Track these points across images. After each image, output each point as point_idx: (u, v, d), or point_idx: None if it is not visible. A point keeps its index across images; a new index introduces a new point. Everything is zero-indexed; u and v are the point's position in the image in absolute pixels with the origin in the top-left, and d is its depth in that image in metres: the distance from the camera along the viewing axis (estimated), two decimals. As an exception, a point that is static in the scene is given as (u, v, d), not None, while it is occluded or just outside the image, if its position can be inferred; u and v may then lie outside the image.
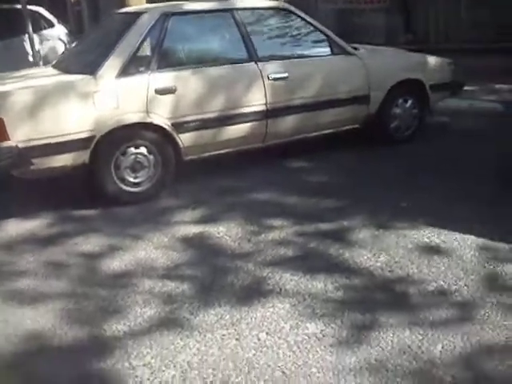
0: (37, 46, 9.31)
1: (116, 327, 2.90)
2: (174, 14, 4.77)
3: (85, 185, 4.68)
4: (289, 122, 5.14)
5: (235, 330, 2.82)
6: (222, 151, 4.97)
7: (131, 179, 4.58)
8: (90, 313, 3.06)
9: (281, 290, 3.18)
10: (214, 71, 4.80)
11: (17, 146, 4.13)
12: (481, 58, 9.04)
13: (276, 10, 5.35)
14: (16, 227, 4.27)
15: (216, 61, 4.90)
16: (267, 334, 2.78)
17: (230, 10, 4.99)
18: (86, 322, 2.96)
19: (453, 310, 2.92)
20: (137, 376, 2.52)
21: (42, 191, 4.81)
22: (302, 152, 5.52)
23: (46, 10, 10.25)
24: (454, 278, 3.23)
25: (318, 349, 2.64)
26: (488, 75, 8.34)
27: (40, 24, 9.97)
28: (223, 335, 2.78)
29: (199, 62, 4.83)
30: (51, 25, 10.17)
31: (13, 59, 7.95)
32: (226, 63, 4.91)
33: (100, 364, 2.61)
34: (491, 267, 3.34)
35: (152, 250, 3.79)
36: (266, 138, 5.10)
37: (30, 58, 8.62)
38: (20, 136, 4.15)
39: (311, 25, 5.33)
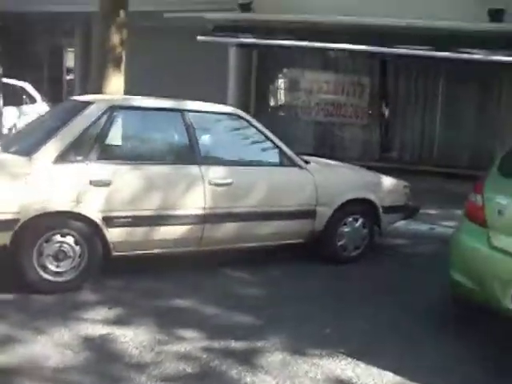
0: (14, 120, 9.47)
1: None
2: (121, 107, 4.82)
3: (4, 267, 4.49)
4: (227, 229, 5.06)
5: None
6: (154, 251, 4.84)
7: (53, 268, 4.41)
8: None
9: (161, 410, 2.96)
10: (154, 169, 4.78)
11: None
12: (452, 182, 9.18)
13: (228, 115, 5.40)
14: None
15: (158, 159, 4.91)
16: None
17: (181, 111, 5.04)
18: None
19: None
20: None
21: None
22: (240, 261, 5.40)
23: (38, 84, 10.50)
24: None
25: None
26: (456, 200, 8.41)
27: (22, 99, 10.16)
28: None
29: (140, 158, 4.83)
30: (34, 101, 10.36)
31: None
32: (167, 162, 4.91)
33: None
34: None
35: (49, 346, 3.58)
36: (202, 243, 5.00)
37: (5, 131, 8.69)
38: None
39: (262, 134, 5.37)
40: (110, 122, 4.66)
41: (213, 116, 5.34)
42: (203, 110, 5.28)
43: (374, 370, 3.55)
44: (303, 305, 4.60)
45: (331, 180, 5.73)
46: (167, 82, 11.42)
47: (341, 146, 11.67)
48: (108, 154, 4.66)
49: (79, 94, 9.71)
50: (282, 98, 12.10)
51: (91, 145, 4.58)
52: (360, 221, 5.82)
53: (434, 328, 4.31)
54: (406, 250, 6.53)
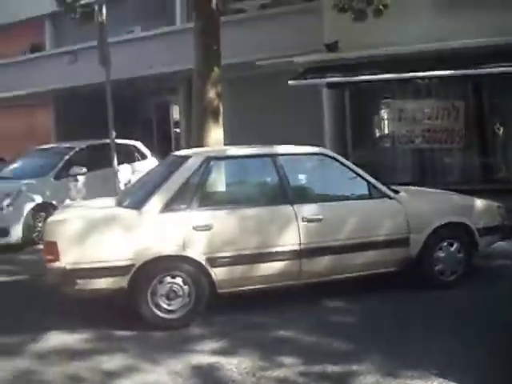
0: (129, 176, 10.39)
1: None
2: (216, 158, 5.36)
3: (124, 308, 5.08)
4: (323, 262, 5.36)
5: None
6: (255, 286, 5.23)
7: (165, 306, 4.93)
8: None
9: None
10: (250, 211, 5.23)
11: (65, 267, 4.69)
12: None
13: (316, 155, 5.78)
14: (55, 340, 4.74)
15: (253, 202, 5.36)
16: None
17: (271, 156, 5.49)
18: None
19: None
20: None
21: (88, 310, 5.27)
22: (339, 291, 5.64)
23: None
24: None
25: None
26: None
27: (134, 156, 11.17)
28: None
29: (236, 202, 5.32)
30: (144, 157, 11.31)
31: (107, 187, 8.93)
32: (262, 204, 5.34)
33: None
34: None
35: (164, 374, 4.07)
36: (301, 277, 5.33)
37: (122, 187, 9.56)
38: (69, 258, 4.71)
39: (350, 169, 5.68)
40: (207, 173, 5.21)
41: (301, 157, 5.75)
42: (292, 152, 5.71)
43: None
44: (400, 331, 4.76)
45: (421, 207, 5.87)
46: (266, 128, 12.05)
47: (441, 171, 11.60)
48: (207, 200, 5.20)
49: (185, 147, 10.56)
50: (377, 130, 12.27)
51: (192, 194, 5.13)
52: (455, 245, 5.88)
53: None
54: (506, 272, 6.43)
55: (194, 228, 4.96)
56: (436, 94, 11.46)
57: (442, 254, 5.83)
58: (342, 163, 5.71)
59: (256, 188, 5.64)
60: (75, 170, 9.78)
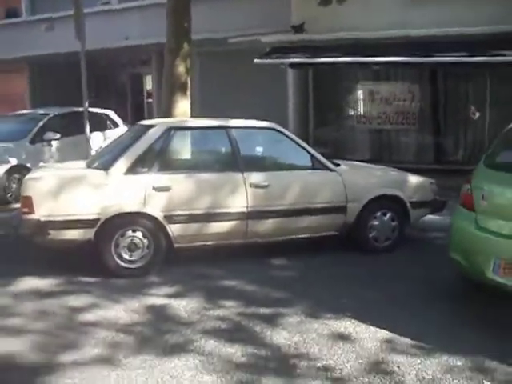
0: (100, 143, 10.96)
1: (66, 358, 3.86)
2: (177, 128, 6.01)
3: (90, 258, 5.75)
4: (267, 224, 6.08)
5: (150, 371, 3.69)
6: (207, 243, 5.94)
7: (127, 257, 5.61)
8: (52, 345, 4.05)
9: (199, 350, 4.04)
10: (204, 176, 5.92)
11: (39, 219, 5.32)
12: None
13: (266, 129, 6.44)
14: (28, 283, 5.40)
15: (207, 168, 6.04)
16: (170, 376, 3.64)
17: (225, 128, 6.16)
18: (47, 351, 3.95)
19: (325, 382, 3.64)
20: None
21: (57, 260, 5.92)
22: (284, 252, 6.38)
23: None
24: (344, 360, 3.94)
25: (201, 392, 3.45)
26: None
27: (106, 124, 11.72)
28: (139, 373, 3.66)
29: (193, 168, 6.00)
30: (116, 125, 11.86)
31: (79, 152, 9.52)
32: (215, 171, 6.02)
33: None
34: (383, 356, 4.02)
35: (122, 311, 4.77)
36: (247, 236, 6.05)
37: (93, 153, 10.12)
38: (43, 211, 5.34)
39: (296, 143, 6.38)
40: (167, 141, 5.88)
41: (253, 131, 6.43)
42: (244, 125, 6.39)
43: (372, 329, 4.43)
44: (331, 284, 5.52)
45: (358, 179, 6.62)
46: (232, 102, 12.66)
47: (396, 149, 12.38)
48: (167, 165, 5.87)
49: (157, 117, 11.13)
50: (338, 111, 12.96)
51: (153, 159, 5.80)
52: (388, 215, 6.64)
53: (432, 300, 5.10)
54: (434, 242, 7.20)
55: (154, 188, 5.63)
56: (394, 78, 12.19)
57: (376, 223, 6.59)
58: (289, 137, 6.40)
59: (211, 156, 6.33)
60: (49, 135, 10.32)
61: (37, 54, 16.08)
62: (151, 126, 6.04)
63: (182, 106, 9.13)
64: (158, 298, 5.10)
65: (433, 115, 12.14)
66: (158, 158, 5.82)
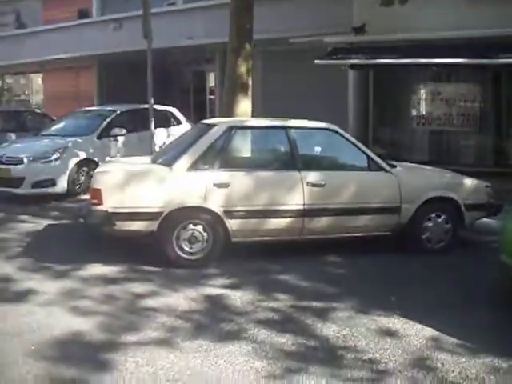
0: (164, 139, 11.40)
1: (129, 338, 4.20)
2: (237, 127, 6.29)
3: (153, 248, 6.10)
4: (322, 222, 6.27)
5: (205, 355, 3.97)
6: (263, 238, 6.18)
7: (187, 249, 5.93)
8: (117, 327, 4.40)
9: (252, 338, 4.29)
10: (263, 174, 6.16)
11: (107, 210, 5.71)
12: None
13: (323, 130, 6.62)
14: (94, 270, 5.80)
15: (266, 166, 6.28)
16: (224, 361, 3.90)
17: (285, 128, 6.38)
18: (112, 332, 4.30)
19: (370, 374, 3.82)
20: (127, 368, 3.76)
21: (122, 249, 6.31)
22: (337, 249, 6.55)
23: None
24: (390, 354, 4.10)
25: (252, 377, 3.70)
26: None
27: (170, 121, 12.16)
28: (195, 356, 3.95)
29: (252, 166, 6.27)
30: (179, 122, 12.29)
31: (143, 148, 9.99)
32: (274, 169, 6.27)
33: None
34: (428, 352, 4.15)
35: (181, 299, 5.08)
36: (303, 233, 6.25)
37: (157, 148, 10.57)
38: (110, 203, 5.73)
39: (353, 144, 6.53)
40: (228, 140, 6.16)
41: (311, 131, 6.64)
42: (303, 126, 6.60)
43: (419, 326, 4.56)
44: (380, 283, 5.67)
45: (414, 181, 6.70)
46: (293, 101, 12.87)
47: (455, 153, 12.28)
48: (227, 163, 6.16)
49: (218, 115, 11.47)
50: (398, 111, 12.93)
51: (214, 157, 6.10)
52: (442, 217, 6.69)
53: (481, 302, 5.17)
54: (488, 245, 7.18)
55: (215, 185, 5.92)
56: (455, 79, 12.09)
57: (429, 224, 6.66)
58: (346, 138, 6.56)
59: (269, 155, 6.58)
60: (116, 131, 10.81)
61: (104, 53, 16.76)
62: (213, 125, 6.34)
63: (243, 106, 9.43)
64: (214, 288, 5.38)
65: (494, 118, 11.97)
66: (218, 155, 6.11)
